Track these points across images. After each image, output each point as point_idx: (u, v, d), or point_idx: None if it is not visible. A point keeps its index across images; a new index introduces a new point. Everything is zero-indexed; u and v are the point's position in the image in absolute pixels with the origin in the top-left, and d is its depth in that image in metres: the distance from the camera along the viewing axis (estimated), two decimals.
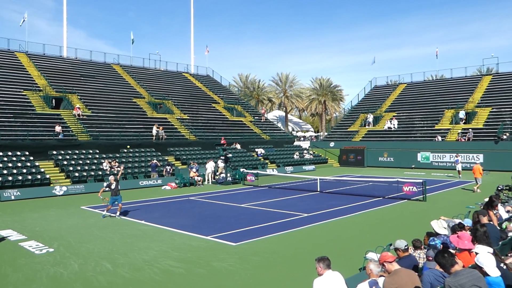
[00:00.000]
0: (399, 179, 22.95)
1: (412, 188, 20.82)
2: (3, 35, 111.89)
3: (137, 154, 32.58)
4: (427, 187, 20.68)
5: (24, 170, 25.43)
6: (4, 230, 14.23)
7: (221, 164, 31.22)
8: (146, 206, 19.96)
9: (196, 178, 28.59)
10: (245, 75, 79.51)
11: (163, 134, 36.21)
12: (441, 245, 6.61)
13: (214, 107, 49.00)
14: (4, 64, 38.87)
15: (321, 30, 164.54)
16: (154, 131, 35.71)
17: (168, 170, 30.22)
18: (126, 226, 15.37)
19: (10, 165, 25.59)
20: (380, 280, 5.76)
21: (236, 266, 10.17)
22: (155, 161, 30.61)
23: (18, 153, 27.21)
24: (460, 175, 30.78)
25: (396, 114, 48.66)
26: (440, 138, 40.52)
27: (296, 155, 42.39)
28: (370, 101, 55.46)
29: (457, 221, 8.14)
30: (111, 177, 17.77)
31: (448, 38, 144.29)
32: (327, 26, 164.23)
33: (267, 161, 39.58)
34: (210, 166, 30.33)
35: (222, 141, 38.00)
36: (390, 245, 8.63)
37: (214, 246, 12.19)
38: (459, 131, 40.34)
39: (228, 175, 29.43)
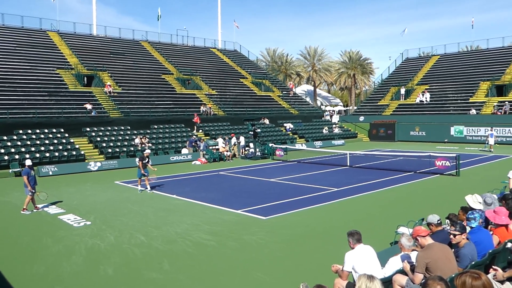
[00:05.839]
0: (431, 154, 22.48)
1: (445, 163, 20.39)
2: (35, 15, 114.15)
3: (167, 130, 33.04)
4: (460, 162, 20.21)
5: (60, 147, 26.23)
6: (44, 204, 14.83)
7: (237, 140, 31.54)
8: (177, 181, 20.36)
9: (225, 153, 28.87)
10: (273, 50, 78.62)
11: (211, 110, 37.83)
12: (480, 220, 6.50)
13: (242, 82, 48.89)
14: (37, 44, 39.71)
15: (352, 1, 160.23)
16: (202, 109, 37.28)
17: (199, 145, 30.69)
18: (158, 200, 15.75)
19: (47, 142, 26.45)
20: (413, 255, 5.75)
21: (266, 240, 10.31)
22: (194, 137, 31.45)
23: (54, 130, 28.05)
24: (492, 149, 30.03)
25: (428, 87, 47.34)
26: (474, 111, 39.31)
27: (325, 129, 42.05)
28: (401, 74, 54.07)
29: (493, 195, 7.95)
30: (148, 151, 18.80)
31: (485, 8, 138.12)
32: None
33: (295, 136, 39.46)
34: (242, 139, 31.46)
35: (195, 119, 35.13)
36: (422, 219, 8.55)
37: (245, 220, 12.37)
38: (495, 104, 38.99)
39: (257, 150, 29.55)
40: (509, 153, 28.28)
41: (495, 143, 31.41)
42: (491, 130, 31.82)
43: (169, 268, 8.59)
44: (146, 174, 17.50)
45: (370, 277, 3.94)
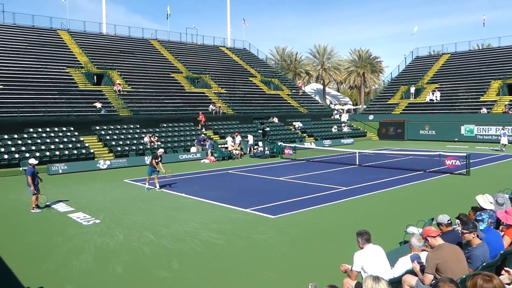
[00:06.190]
0: (441, 153, 22.26)
1: (455, 162, 20.21)
2: (46, 14, 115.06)
3: (176, 129, 33.13)
4: (471, 161, 20.01)
5: (70, 145, 26.42)
6: (54, 201, 14.94)
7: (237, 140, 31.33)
8: (186, 180, 20.40)
9: (234, 151, 28.89)
10: (282, 48, 78.36)
11: (220, 109, 38.08)
12: (489, 220, 6.42)
13: (251, 80, 48.87)
14: (48, 42, 40.03)
15: None
16: (210, 108, 37.40)
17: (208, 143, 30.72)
18: (167, 198, 15.80)
19: (57, 140, 26.65)
20: (422, 255, 5.70)
21: (275, 238, 10.29)
22: (203, 135, 31.38)
23: (64, 128, 28.26)
24: (504, 149, 29.63)
25: (438, 86, 46.94)
26: (485, 110, 38.90)
27: (334, 128, 41.90)
28: (411, 73, 53.68)
29: (504, 195, 7.85)
30: (161, 150, 18.69)
31: (496, 5, 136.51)
32: None
33: (304, 134, 39.38)
34: (250, 138, 31.54)
35: (200, 118, 34.64)
36: (432, 219, 8.48)
37: (253, 219, 12.36)
38: (506, 103, 38.54)
39: (266, 148, 29.53)
40: None
41: (508, 142, 31.04)
42: (503, 129, 31.36)
43: (178, 267, 8.61)
44: (159, 171, 17.64)
45: (376, 278, 3.90)
